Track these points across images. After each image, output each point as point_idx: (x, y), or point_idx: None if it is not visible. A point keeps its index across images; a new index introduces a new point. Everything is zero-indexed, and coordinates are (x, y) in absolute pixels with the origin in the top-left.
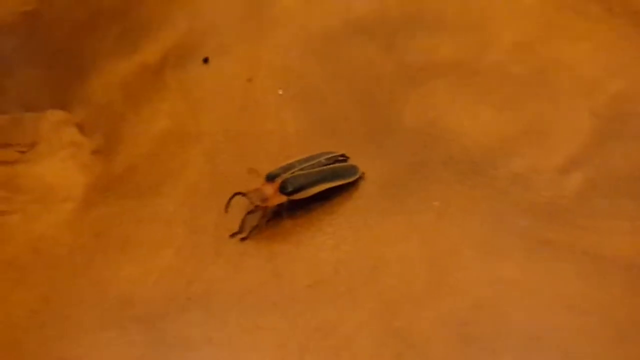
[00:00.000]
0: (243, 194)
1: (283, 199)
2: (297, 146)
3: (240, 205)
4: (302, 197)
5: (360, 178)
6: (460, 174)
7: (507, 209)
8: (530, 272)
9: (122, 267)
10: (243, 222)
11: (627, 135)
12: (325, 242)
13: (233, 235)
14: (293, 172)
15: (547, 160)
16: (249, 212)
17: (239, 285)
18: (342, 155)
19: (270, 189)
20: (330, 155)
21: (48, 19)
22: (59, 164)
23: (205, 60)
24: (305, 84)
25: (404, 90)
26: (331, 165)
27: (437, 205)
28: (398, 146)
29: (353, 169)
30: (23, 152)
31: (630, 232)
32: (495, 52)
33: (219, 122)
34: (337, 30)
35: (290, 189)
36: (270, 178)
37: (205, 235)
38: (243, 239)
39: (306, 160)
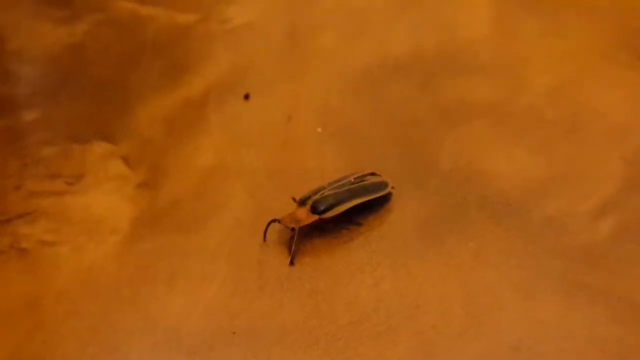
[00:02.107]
0: (278, 221)
1: (315, 217)
2: None
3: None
4: (334, 214)
5: (391, 193)
6: (496, 216)
7: (542, 251)
8: (567, 315)
9: (168, 299)
10: (292, 249)
11: None
12: (365, 281)
13: (292, 262)
14: (323, 193)
15: (580, 204)
16: (291, 237)
17: (282, 321)
18: (372, 174)
19: (303, 212)
20: (359, 174)
21: (93, 52)
22: (106, 196)
23: (246, 97)
24: (343, 122)
25: (440, 131)
26: (360, 183)
27: (472, 246)
28: (434, 186)
29: (382, 184)
30: (71, 183)
31: None
32: (529, 95)
33: (260, 158)
34: (374, 69)
35: (321, 208)
36: (302, 202)
37: (249, 270)
38: (293, 263)
39: (336, 181)
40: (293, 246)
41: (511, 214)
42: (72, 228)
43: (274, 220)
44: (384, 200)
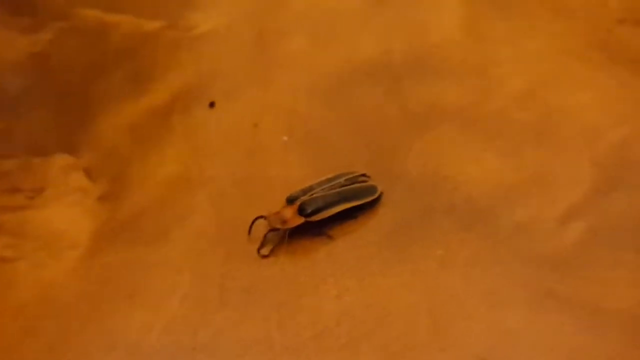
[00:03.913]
0: (264, 217)
1: (301, 220)
2: None
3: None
4: (320, 218)
5: (380, 197)
6: (464, 223)
7: (510, 259)
8: (533, 324)
9: (129, 315)
10: (264, 239)
11: (628, 184)
12: (329, 292)
13: (258, 250)
14: (312, 194)
15: (549, 209)
16: (270, 231)
17: (245, 336)
18: (363, 175)
19: (289, 212)
20: (350, 176)
21: (57, 61)
22: (66, 209)
23: (212, 105)
24: (310, 129)
25: (409, 137)
26: (350, 186)
27: (440, 254)
28: (402, 194)
29: (372, 189)
30: (31, 197)
31: (631, 284)
32: (499, 99)
33: (224, 167)
34: (343, 74)
35: (308, 210)
36: (290, 201)
37: (211, 283)
38: (264, 256)
39: (326, 181)
40: (267, 240)
41: (479, 220)
42: (31, 243)
43: (260, 217)
44: (371, 205)
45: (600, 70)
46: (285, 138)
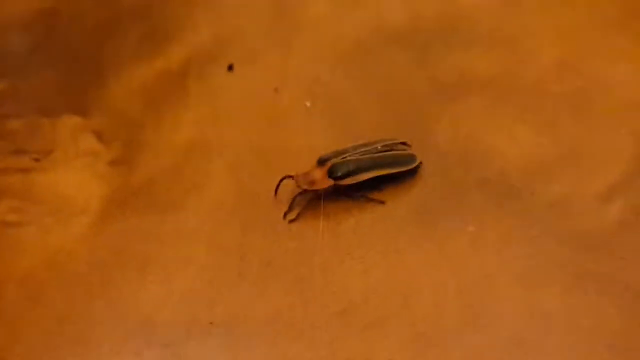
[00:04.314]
0: (292, 177)
1: (330, 182)
2: None
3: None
4: (351, 182)
5: (418, 168)
6: (496, 198)
7: (545, 237)
8: (570, 306)
9: (141, 287)
10: (293, 202)
11: None
12: (354, 268)
13: (284, 215)
14: (345, 157)
15: (586, 186)
16: (299, 194)
17: (264, 311)
18: (403, 143)
19: (319, 173)
20: (387, 142)
21: (66, 18)
22: (76, 173)
23: (230, 68)
24: (333, 96)
25: (437, 107)
26: (387, 153)
27: (471, 231)
28: (431, 166)
29: (410, 158)
30: (38, 159)
31: None
32: (533, 69)
33: (243, 134)
34: (368, 39)
35: (338, 173)
36: (321, 162)
37: (229, 255)
38: (291, 221)
39: (362, 146)
40: (294, 204)
41: (513, 196)
42: (38, 208)
43: (287, 177)
44: (409, 174)
45: (638, 40)
46: (308, 104)
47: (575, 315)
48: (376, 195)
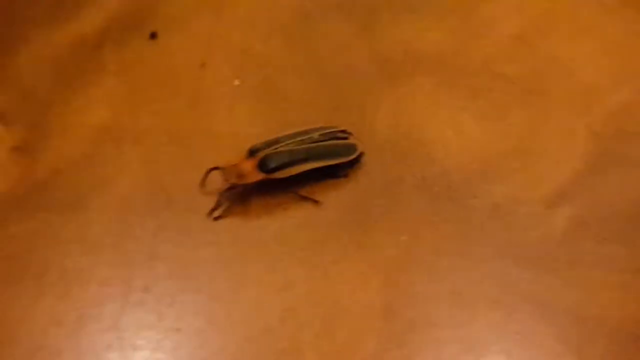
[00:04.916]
0: (219, 169)
1: (260, 176)
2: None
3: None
4: (283, 176)
5: (359, 158)
6: (434, 202)
7: (483, 249)
8: (506, 332)
9: (36, 304)
10: (220, 198)
11: (626, 160)
12: (274, 282)
13: (210, 212)
14: (277, 148)
15: (533, 189)
16: (227, 189)
17: (168, 334)
18: (343, 131)
19: (248, 165)
20: (326, 131)
21: None
22: None
23: (153, 36)
24: (266, 74)
25: (379, 89)
26: (324, 142)
27: (404, 241)
28: (368, 160)
29: (350, 148)
30: None
31: (618, 287)
32: (485, 45)
33: (162, 117)
34: (309, 5)
35: (270, 166)
36: (252, 153)
37: (134, 266)
38: (216, 219)
39: (296, 134)
40: (221, 200)
41: (452, 199)
42: None
43: (214, 168)
44: (347, 166)
45: (607, 13)
46: (236, 82)
47: (511, 343)
48: (308, 190)
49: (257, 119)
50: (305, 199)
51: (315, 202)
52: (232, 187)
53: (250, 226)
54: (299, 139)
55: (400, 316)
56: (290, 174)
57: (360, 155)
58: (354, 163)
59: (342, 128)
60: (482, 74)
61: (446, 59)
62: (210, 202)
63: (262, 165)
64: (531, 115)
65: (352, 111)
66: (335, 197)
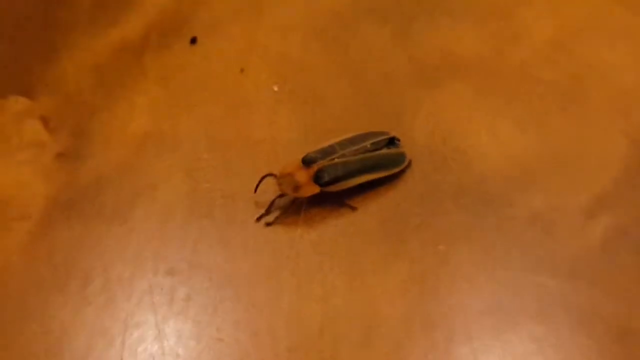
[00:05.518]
0: (274, 176)
1: (316, 189)
2: (286, 160)
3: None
4: (338, 189)
5: (408, 167)
6: (472, 210)
7: (522, 261)
8: (546, 345)
9: (81, 313)
10: (272, 204)
11: None
12: (313, 292)
13: (259, 218)
14: (333, 159)
15: (571, 198)
16: (280, 196)
17: (209, 344)
18: (392, 139)
19: (304, 176)
20: (377, 139)
21: None
22: (18, 168)
23: (193, 41)
24: (304, 79)
25: (417, 94)
26: (376, 153)
27: (442, 250)
28: (406, 168)
29: (401, 157)
30: None
31: None
32: (523, 49)
33: (203, 123)
34: (345, 10)
35: (326, 179)
36: (307, 163)
37: (178, 278)
38: (268, 224)
39: (350, 142)
40: (272, 207)
41: (490, 207)
42: None
43: (269, 175)
44: (396, 176)
45: None
46: (275, 88)
47: (550, 357)
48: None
49: (295, 125)
50: (344, 205)
51: (354, 208)
52: (283, 195)
53: (288, 235)
54: (353, 148)
55: (440, 327)
56: (345, 187)
57: (409, 164)
58: (402, 172)
59: (392, 135)
60: (520, 78)
61: (483, 63)
62: (251, 209)
63: (318, 179)
64: (569, 122)
65: (390, 117)
66: (373, 206)
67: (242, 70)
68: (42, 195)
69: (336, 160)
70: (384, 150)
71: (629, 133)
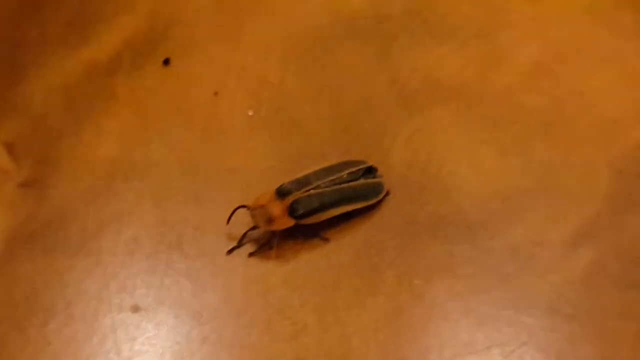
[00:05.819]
0: (247, 208)
1: (290, 222)
2: (261, 189)
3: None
4: (313, 222)
5: (385, 197)
6: (450, 243)
7: (501, 294)
8: None
9: (41, 354)
10: (244, 237)
11: None
12: (284, 330)
13: (230, 251)
14: (308, 190)
15: (552, 230)
16: (252, 228)
17: None
18: (369, 168)
19: (278, 209)
20: (354, 169)
21: None
22: None
23: (166, 62)
24: (281, 104)
25: (397, 118)
26: (352, 183)
27: (418, 284)
28: (383, 197)
29: (377, 188)
30: None
31: (636, 342)
32: (506, 74)
33: (174, 149)
34: (324, 30)
35: (300, 211)
36: (281, 194)
37: (144, 315)
38: (251, 254)
39: (326, 172)
40: (244, 240)
41: (469, 240)
42: None
43: (242, 206)
44: (372, 206)
45: (630, 39)
46: (250, 113)
47: None
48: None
49: (270, 151)
50: (317, 237)
51: (327, 240)
52: (256, 227)
53: (260, 270)
54: (328, 178)
55: None
56: (321, 219)
57: (387, 195)
58: (377, 204)
59: (369, 164)
60: (503, 104)
61: (465, 87)
62: (222, 242)
63: (293, 211)
64: (552, 150)
65: (369, 142)
66: (347, 238)
67: (216, 94)
68: (3, 227)
69: (311, 191)
70: (361, 181)
71: (613, 163)
